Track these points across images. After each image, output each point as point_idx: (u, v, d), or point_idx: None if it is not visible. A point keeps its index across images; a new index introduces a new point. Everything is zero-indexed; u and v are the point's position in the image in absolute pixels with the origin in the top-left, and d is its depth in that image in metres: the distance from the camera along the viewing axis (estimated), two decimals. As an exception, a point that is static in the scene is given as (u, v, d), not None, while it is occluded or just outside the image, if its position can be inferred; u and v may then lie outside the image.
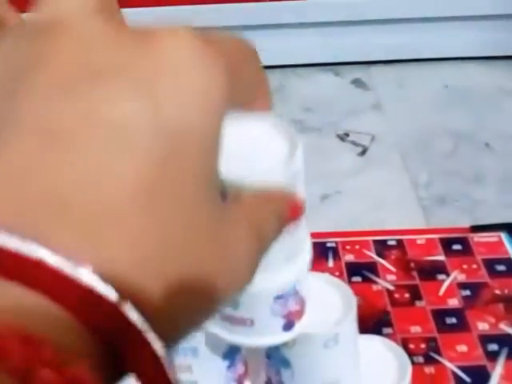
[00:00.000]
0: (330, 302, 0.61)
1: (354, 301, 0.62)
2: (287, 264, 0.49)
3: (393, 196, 1.17)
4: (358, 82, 1.48)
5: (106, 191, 0.25)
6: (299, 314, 0.53)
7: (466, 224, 1.07)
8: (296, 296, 0.52)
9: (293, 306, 0.53)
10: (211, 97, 0.28)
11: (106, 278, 0.24)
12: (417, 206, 1.15)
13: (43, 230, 0.24)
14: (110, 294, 0.24)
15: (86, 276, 0.24)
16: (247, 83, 0.33)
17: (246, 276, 0.30)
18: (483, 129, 1.32)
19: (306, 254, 0.53)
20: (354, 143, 1.30)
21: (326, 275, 0.67)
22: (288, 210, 0.36)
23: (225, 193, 0.34)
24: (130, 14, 0.36)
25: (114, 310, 0.24)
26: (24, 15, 0.31)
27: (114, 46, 0.27)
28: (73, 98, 0.26)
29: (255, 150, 0.43)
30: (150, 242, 0.26)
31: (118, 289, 0.24)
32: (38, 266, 0.23)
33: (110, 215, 0.25)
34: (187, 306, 0.27)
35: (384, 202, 1.16)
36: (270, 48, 1.45)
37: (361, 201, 1.16)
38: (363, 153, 1.28)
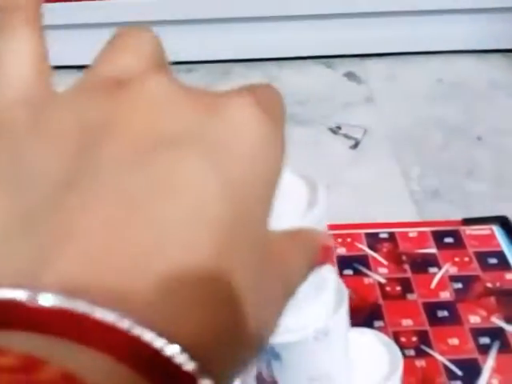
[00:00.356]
0: (321, 295, 0.61)
1: (345, 294, 0.62)
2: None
3: (385, 189, 1.17)
4: (350, 75, 1.47)
5: (181, 259, 0.25)
6: None
7: (458, 217, 1.07)
8: None
9: None
10: (274, 166, 0.29)
11: (185, 350, 0.24)
12: (409, 199, 1.15)
13: (126, 298, 0.24)
14: (188, 365, 0.24)
15: (169, 348, 0.24)
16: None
17: (275, 321, 0.30)
18: (476, 122, 1.32)
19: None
20: (347, 136, 1.30)
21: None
22: (318, 252, 0.35)
23: None
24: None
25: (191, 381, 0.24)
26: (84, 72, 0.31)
27: (183, 111, 0.28)
28: (148, 165, 0.26)
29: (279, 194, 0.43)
30: (223, 311, 0.26)
31: (193, 358, 0.24)
32: (132, 340, 0.23)
33: (188, 286, 0.25)
34: (234, 356, 0.27)
35: (376, 195, 1.15)
36: (263, 40, 1.45)
37: (353, 194, 1.16)
38: (355, 146, 1.27)
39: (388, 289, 0.94)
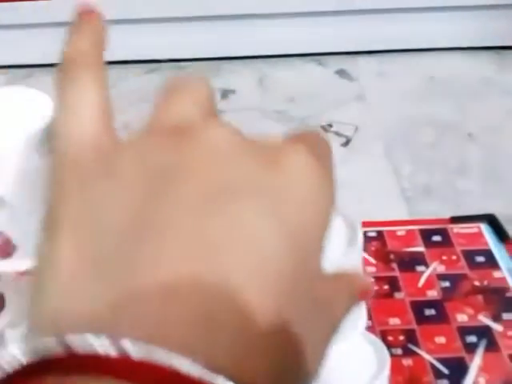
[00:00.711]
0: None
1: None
2: None
3: (376, 187, 1.17)
4: (342, 73, 1.47)
5: (248, 309, 0.27)
6: None
7: (449, 214, 1.07)
8: None
9: None
10: (327, 210, 0.32)
11: None
12: (400, 196, 1.15)
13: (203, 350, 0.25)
14: None
15: None
16: None
17: (323, 358, 0.32)
18: (467, 120, 1.32)
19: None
20: (338, 134, 1.29)
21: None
22: (359, 292, 0.38)
23: None
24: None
25: None
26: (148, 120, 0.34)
27: (245, 162, 0.30)
28: (212, 213, 0.28)
29: None
30: (286, 360, 0.28)
31: None
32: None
33: (253, 337, 0.26)
34: None
35: (367, 192, 1.15)
36: (253, 38, 1.45)
37: (344, 191, 1.13)
38: (347, 143, 1.27)
39: (376, 288, 0.94)
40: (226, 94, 1.41)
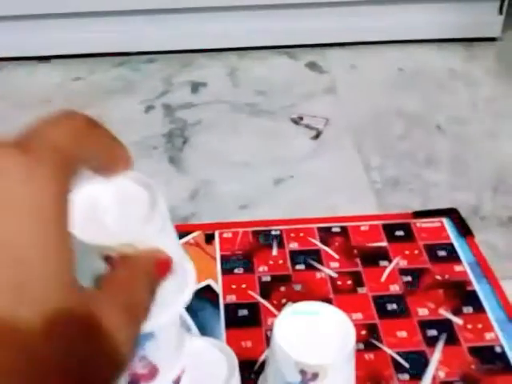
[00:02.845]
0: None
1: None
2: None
3: (346, 180, 1.18)
4: (312, 65, 1.48)
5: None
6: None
7: (418, 207, 1.08)
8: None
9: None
10: (40, 197, 0.31)
11: None
12: (369, 189, 1.16)
13: None
14: None
15: None
16: (101, 157, 0.38)
17: (128, 354, 0.33)
18: (435, 111, 1.34)
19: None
20: (308, 127, 1.30)
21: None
22: (160, 272, 0.39)
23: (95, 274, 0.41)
24: None
25: None
26: None
27: None
28: None
29: (118, 209, 0.48)
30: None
31: None
32: None
33: None
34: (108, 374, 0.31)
35: (337, 185, 1.16)
36: (224, 30, 1.45)
37: (314, 185, 1.16)
38: (317, 136, 1.28)
39: (339, 283, 0.95)
40: (196, 86, 1.42)
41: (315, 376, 0.68)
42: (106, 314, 0.32)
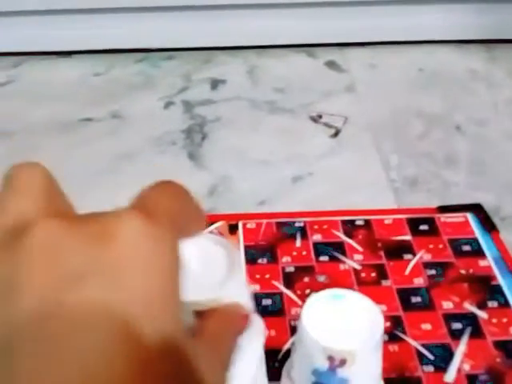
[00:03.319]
0: None
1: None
2: None
3: (364, 178, 1.18)
4: (331, 64, 1.48)
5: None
6: None
7: (437, 206, 1.08)
8: None
9: None
10: (169, 270, 0.33)
11: None
12: (388, 188, 1.15)
13: None
14: None
15: None
16: (190, 219, 0.39)
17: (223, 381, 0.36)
18: (455, 112, 1.33)
19: None
20: (327, 125, 1.30)
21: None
22: (242, 325, 0.43)
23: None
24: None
25: None
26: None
27: (74, 249, 0.31)
28: (63, 305, 0.30)
29: (201, 266, 0.52)
30: None
31: None
32: None
33: None
34: None
35: (356, 184, 1.16)
36: (244, 28, 1.45)
37: (333, 183, 1.16)
38: (336, 134, 1.28)
39: (363, 275, 0.95)
40: (216, 83, 1.42)
41: (343, 362, 0.67)
42: (201, 361, 0.34)
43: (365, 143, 1.26)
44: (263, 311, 0.89)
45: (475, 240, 1.00)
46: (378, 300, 0.87)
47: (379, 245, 1.00)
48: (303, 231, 1.02)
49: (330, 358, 0.66)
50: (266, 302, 0.92)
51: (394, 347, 0.86)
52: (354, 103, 1.36)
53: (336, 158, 1.23)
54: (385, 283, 0.94)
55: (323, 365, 0.67)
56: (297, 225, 1.03)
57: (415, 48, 1.51)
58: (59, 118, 1.32)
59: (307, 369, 0.69)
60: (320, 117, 1.32)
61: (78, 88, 1.41)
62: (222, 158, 1.22)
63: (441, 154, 1.23)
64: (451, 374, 0.84)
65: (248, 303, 0.50)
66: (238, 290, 0.50)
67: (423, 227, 1.03)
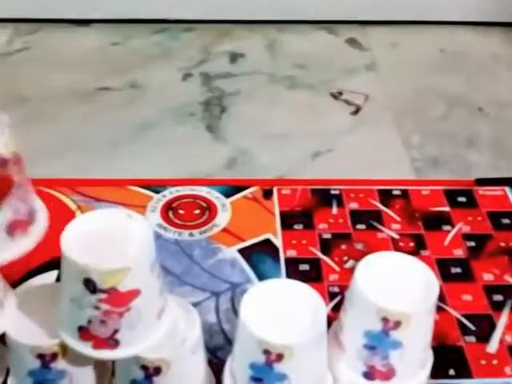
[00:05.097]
0: None
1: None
2: None
3: (385, 156, 1.16)
4: (352, 42, 1.46)
5: None
6: None
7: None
8: None
9: None
10: None
11: None
12: (409, 166, 1.14)
13: None
14: None
15: None
16: None
17: None
18: (477, 94, 1.32)
19: None
20: (348, 102, 1.29)
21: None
22: None
23: None
24: None
25: None
26: None
27: None
28: None
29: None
30: None
31: None
32: None
33: None
34: None
35: (376, 161, 1.15)
36: (264, 2, 1.43)
37: (352, 160, 1.15)
38: (356, 112, 1.26)
39: (401, 244, 0.94)
40: (235, 57, 1.40)
41: (398, 324, 0.65)
42: None
43: (386, 122, 1.25)
44: (301, 276, 0.88)
45: (514, 213, 1.00)
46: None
47: (417, 215, 0.99)
48: (339, 199, 1.01)
49: (385, 320, 0.64)
50: (304, 267, 0.90)
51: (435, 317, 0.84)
52: (374, 81, 1.35)
53: (356, 135, 1.21)
54: (424, 253, 0.93)
55: (377, 327, 0.66)
56: (332, 192, 1.02)
57: (436, 29, 1.50)
58: (76, 86, 1.29)
59: (360, 330, 0.67)
60: (340, 94, 1.30)
61: (96, 57, 1.38)
62: (240, 132, 1.20)
63: (462, 135, 1.22)
64: (493, 344, 0.83)
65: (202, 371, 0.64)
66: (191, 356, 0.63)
67: (461, 199, 1.02)
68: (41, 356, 0.64)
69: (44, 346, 0.64)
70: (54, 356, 0.64)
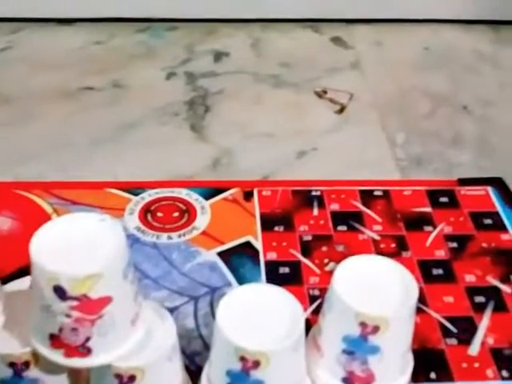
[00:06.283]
0: None
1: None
2: None
3: (370, 155, 1.16)
4: (336, 40, 1.46)
5: None
6: None
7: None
8: None
9: None
10: None
11: None
12: (393, 165, 1.14)
13: None
14: None
15: None
16: None
17: None
18: (462, 92, 1.32)
19: None
20: (332, 101, 1.28)
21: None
22: None
23: None
24: None
25: None
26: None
27: None
28: None
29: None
30: None
31: None
32: None
33: None
34: None
35: (361, 160, 1.14)
36: (248, 1, 1.43)
37: (337, 159, 1.14)
38: (341, 111, 1.26)
39: (382, 246, 0.93)
40: (219, 56, 1.39)
41: (376, 329, 0.65)
42: None
43: (370, 120, 1.24)
44: (280, 279, 0.87)
45: (496, 214, 0.99)
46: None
47: (399, 216, 0.98)
48: (320, 200, 1.00)
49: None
50: (284, 270, 0.89)
51: (416, 319, 0.83)
52: (359, 80, 1.34)
53: (341, 134, 1.21)
54: (405, 254, 0.92)
55: (355, 332, 0.65)
56: (314, 193, 1.01)
57: (421, 27, 1.49)
58: (59, 85, 1.28)
59: (339, 335, 0.66)
60: (325, 92, 1.29)
61: (79, 56, 1.37)
62: (225, 131, 1.20)
63: (447, 134, 1.22)
64: (475, 347, 0.82)
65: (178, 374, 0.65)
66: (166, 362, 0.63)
67: (443, 199, 1.01)
68: (12, 364, 0.63)
69: (15, 354, 0.63)
70: (26, 364, 0.63)
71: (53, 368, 0.64)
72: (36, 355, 0.63)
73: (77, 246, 0.60)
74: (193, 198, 1.00)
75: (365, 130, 1.22)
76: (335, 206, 0.99)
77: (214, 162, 1.12)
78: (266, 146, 1.16)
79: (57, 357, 0.61)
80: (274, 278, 0.88)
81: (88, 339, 0.60)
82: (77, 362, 0.62)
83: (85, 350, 0.61)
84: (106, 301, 0.59)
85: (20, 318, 0.64)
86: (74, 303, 0.58)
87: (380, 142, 1.19)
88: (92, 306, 0.59)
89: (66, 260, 0.58)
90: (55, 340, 0.61)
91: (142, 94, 1.28)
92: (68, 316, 0.59)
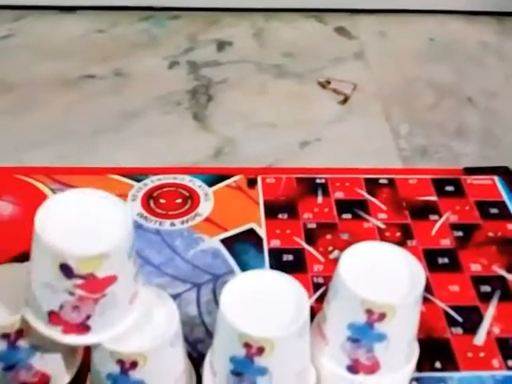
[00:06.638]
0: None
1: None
2: None
3: (373, 145, 1.15)
4: (340, 30, 1.45)
5: None
6: None
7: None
8: None
9: None
10: None
11: None
12: (397, 156, 1.13)
13: None
14: None
15: None
16: None
17: None
18: (466, 83, 1.31)
19: None
20: (336, 91, 1.27)
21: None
22: None
23: None
24: None
25: None
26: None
27: None
28: None
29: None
30: None
31: None
32: None
33: None
34: None
35: (364, 151, 1.13)
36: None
37: (341, 149, 1.14)
38: (345, 101, 1.25)
39: (387, 234, 0.92)
40: (222, 45, 1.38)
41: (383, 316, 0.64)
42: None
43: (374, 111, 1.23)
44: (284, 267, 0.86)
45: (503, 203, 0.98)
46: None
47: (404, 204, 0.97)
48: (325, 188, 0.99)
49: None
50: (288, 257, 0.89)
51: (421, 308, 0.83)
52: (363, 71, 1.33)
53: (344, 124, 1.20)
54: (410, 243, 0.91)
55: (361, 319, 0.64)
56: (318, 181, 1.00)
57: (425, 18, 1.48)
58: (61, 73, 1.27)
59: (344, 322, 0.66)
60: (328, 83, 1.29)
61: (81, 44, 1.37)
62: (227, 120, 1.19)
63: (451, 125, 1.21)
64: (481, 336, 0.81)
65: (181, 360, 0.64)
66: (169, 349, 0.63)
67: (449, 188, 1.00)
68: (6, 336, 0.62)
69: (6, 324, 0.62)
70: (19, 333, 0.62)
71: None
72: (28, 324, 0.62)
73: (83, 223, 0.60)
74: (196, 184, 0.99)
75: (368, 120, 1.21)
76: (340, 194, 0.98)
77: (217, 151, 1.12)
78: (268, 136, 1.16)
79: (54, 333, 0.61)
80: (278, 265, 0.87)
81: (88, 317, 0.60)
82: (74, 339, 0.61)
83: (84, 328, 0.60)
84: (110, 280, 0.59)
85: (11, 292, 0.63)
86: (80, 281, 0.57)
87: (383, 133, 1.18)
88: (97, 285, 0.58)
89: (73, 238, 0.57)
90: (54, 316, 0.60)
91: (145, 83, 1.27)
92: (71, 294, 0.58)
